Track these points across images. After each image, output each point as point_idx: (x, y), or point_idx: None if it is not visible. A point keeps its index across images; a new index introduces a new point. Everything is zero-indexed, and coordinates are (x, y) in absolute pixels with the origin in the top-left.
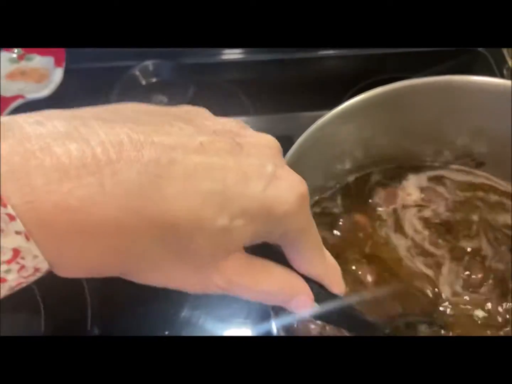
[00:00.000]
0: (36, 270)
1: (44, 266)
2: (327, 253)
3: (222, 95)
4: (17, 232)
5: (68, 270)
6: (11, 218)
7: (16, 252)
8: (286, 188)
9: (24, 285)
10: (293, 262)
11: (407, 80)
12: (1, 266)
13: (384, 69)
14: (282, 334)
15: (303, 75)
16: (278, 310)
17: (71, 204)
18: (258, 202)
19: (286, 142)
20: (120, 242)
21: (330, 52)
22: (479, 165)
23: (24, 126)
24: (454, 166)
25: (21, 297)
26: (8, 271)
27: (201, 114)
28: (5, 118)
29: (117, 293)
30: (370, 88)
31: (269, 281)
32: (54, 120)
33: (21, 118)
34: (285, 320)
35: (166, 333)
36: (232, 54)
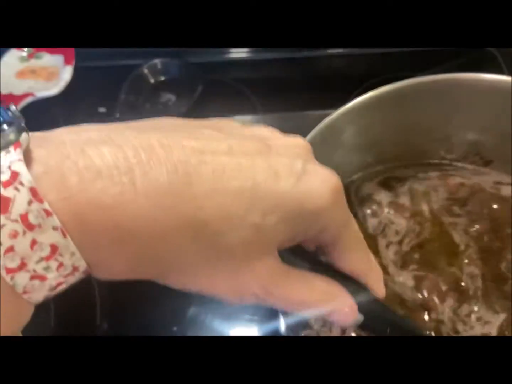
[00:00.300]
0: (75, 269)
1: (82, 265)
2: (369, 251)
3: (230, 93)
4: (54, 228)
5: (106, 270)
6: (48, 213)
7: (54, 248)
8: (318, 183)
9: (64, 286)
10: (335, 261)
11: (414, 78)
12: (41, 263)
13: (391, 67)
14: (290, 332)
15: (310, 74)
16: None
17: (104, 201)
18: (289, 198)
19: None
20: (153, 241)
21: (338, 51)
22: (487, 163)
23: (60, 136)
24: (461, 165)
25: None
26: (47, 268)
27: (230, 123)
28: (44, 133)
29: (126, 290)
30: (377, 86)
31: (309, 292)
32: (89, 131)
33: (58, 131)
34: (293, 318)
35: (174, 329)
36: (240, 52)
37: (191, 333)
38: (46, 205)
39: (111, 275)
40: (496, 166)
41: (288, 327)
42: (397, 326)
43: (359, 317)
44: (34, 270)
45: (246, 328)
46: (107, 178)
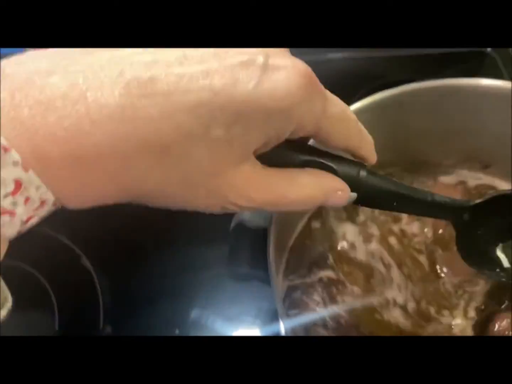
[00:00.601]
0: (43, 202)
1: (49, 198)
2: (356, 120)
3: None
4: (15, 163)
5: (75, 200)
6: (5, 149)
7: (18, 183)
8: (283, 78)
9: (35, 220)
10: (325, 145)
11: (413, 83)
12: (7, 198)
13: (391, 72)
14: (290, 333)
15: None
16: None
17: (59, 135)
18: (252, 102)
19: None
20: (115, 168)
21: (338, 54)
22: (486, 167)
23: (5, 69)
24: (460, 171)
25: (36, 296)
26: (14, 203)
27: None
28: None
29: (129, 292)
30: (377, 90)
31: (297, 190)
32: (36, 59)
33: (3, 62)
34: (294, 320)
35: (176, 331)
36: None
37: (193, 335)
38: (3, 141)
39: (82, 205)
40: (494, 170)
41: (288, 330)
42: (404, 197)
43: (352, 196)
44: (2, 206)
45: (248, 330)
46: (59, 109)
